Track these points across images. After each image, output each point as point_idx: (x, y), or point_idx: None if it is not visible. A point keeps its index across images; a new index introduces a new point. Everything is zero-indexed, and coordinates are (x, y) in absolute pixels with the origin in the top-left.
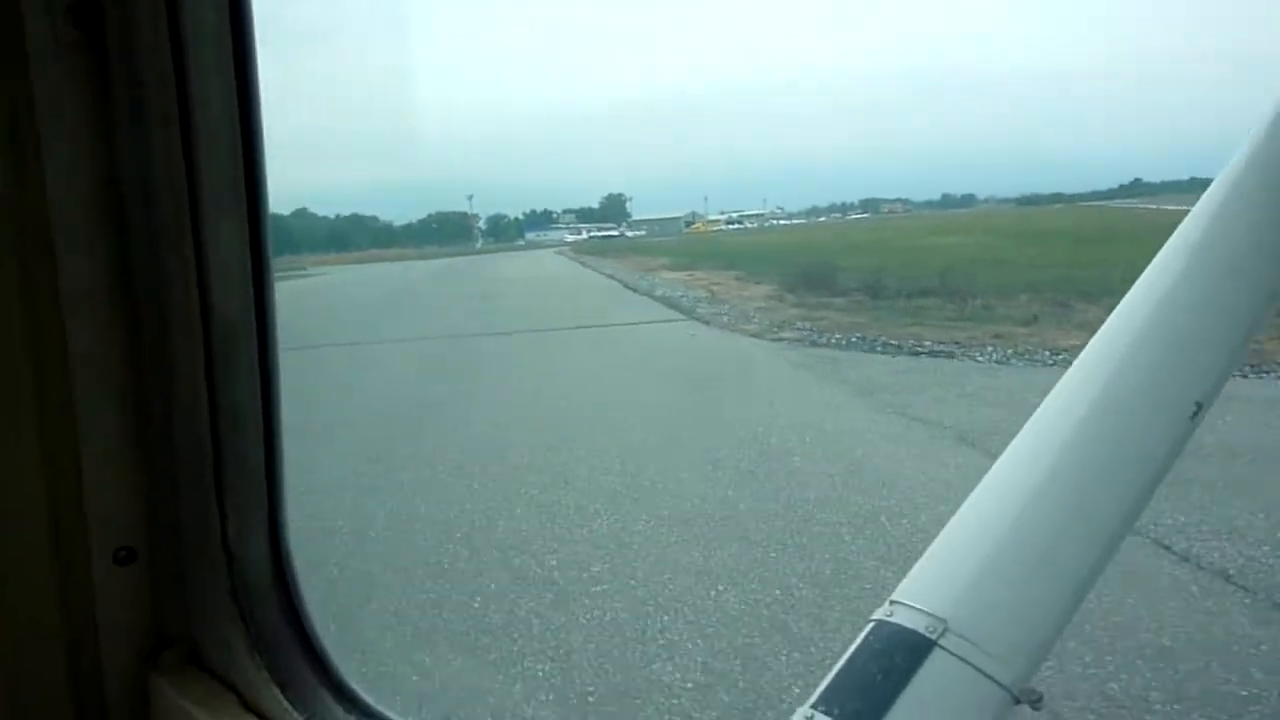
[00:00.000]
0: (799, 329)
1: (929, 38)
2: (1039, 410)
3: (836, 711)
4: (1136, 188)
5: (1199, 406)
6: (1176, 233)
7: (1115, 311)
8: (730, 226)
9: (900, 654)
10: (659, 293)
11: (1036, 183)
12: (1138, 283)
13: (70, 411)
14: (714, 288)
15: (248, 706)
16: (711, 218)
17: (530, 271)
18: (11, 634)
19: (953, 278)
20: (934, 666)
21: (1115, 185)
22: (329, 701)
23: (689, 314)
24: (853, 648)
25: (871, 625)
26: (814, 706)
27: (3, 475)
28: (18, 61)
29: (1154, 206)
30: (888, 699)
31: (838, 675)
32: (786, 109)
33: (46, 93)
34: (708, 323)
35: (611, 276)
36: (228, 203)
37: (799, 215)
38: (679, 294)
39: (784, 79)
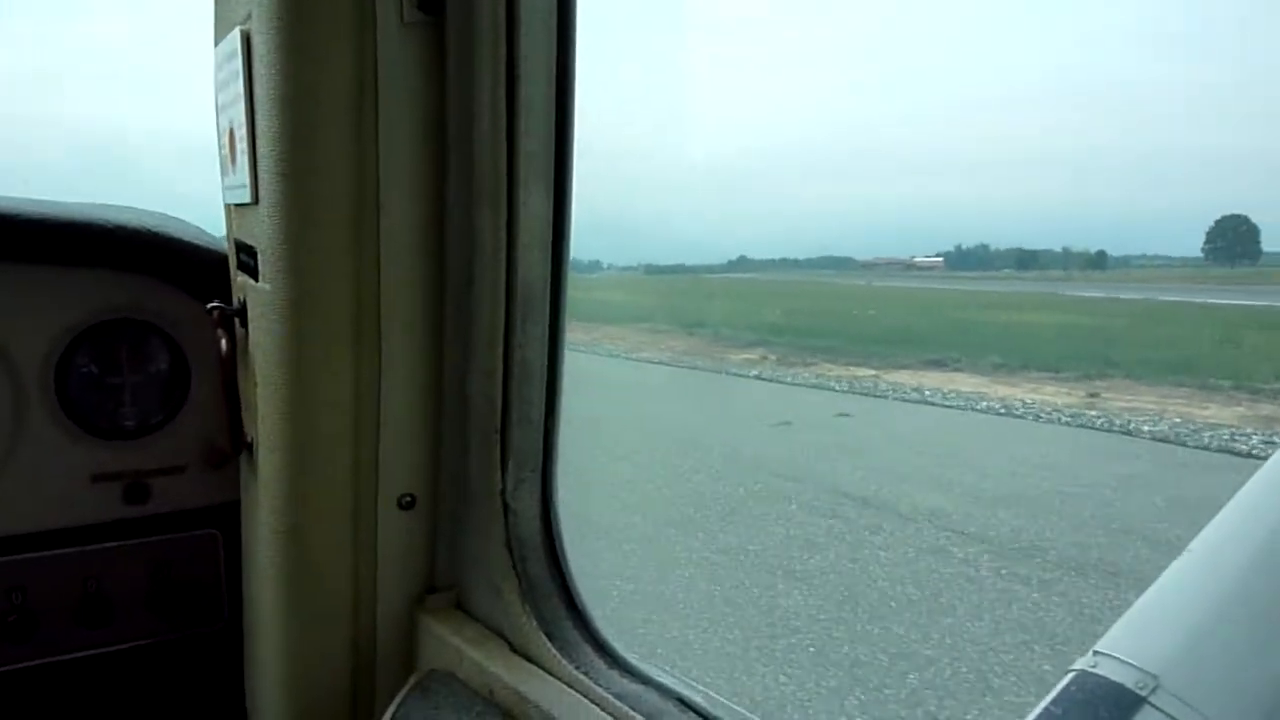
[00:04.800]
0: None
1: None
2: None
3: None
4: (742, 264)
5: None
6: None
7: None
8: None
9: (1105, 708)
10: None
11: (652, 255)
12: None
13: (378, 364)
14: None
15: (515, 650)
16: None
17: None
18: (307, 563)
19: None
20: None
21: (725, 260)
22: (591, 654)
23: None
24: (1050, 698)
25: (1072, 675)
26: None
27: (318, 417)
28: (368, 37)
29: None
30: None
31: None
32: None
33: (389, 66)
34: None
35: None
36: (539, 172)
37: None
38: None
39: None
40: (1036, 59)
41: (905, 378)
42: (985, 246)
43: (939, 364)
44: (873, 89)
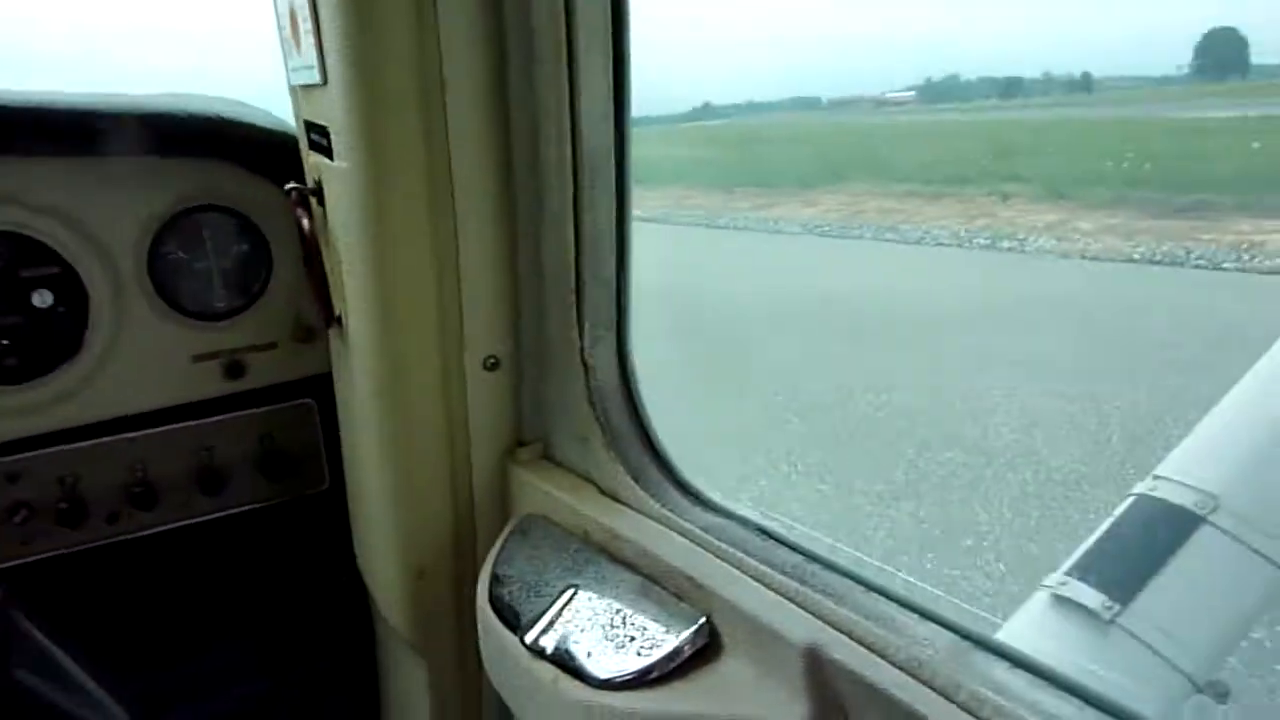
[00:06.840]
0: None
1: None
2: None
3: (1093, 579)
4: (707, 111)
5: None
6: None
7: None
8: None
9: (1164, 528)
10: None
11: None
12: None
13: (454, 234)
14: None
15: (604, 493)
16: None
17: None
18: (403, 425)
19: None
20: (1202, 542)
21: (689, 109)
22: (675, 494)
23: None
24: (1111, 519)
25: (1132, 499)
26: (1068, 574)
27: (403, 288)
28: None
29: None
30: (1149, 570)
31: (1095, 545)
32: None
33: None
34: None
35: None
36: (598, 42)
37: None
38: None
39: None
40: None
41: None
42: (955, 77)
43: None
44: None
